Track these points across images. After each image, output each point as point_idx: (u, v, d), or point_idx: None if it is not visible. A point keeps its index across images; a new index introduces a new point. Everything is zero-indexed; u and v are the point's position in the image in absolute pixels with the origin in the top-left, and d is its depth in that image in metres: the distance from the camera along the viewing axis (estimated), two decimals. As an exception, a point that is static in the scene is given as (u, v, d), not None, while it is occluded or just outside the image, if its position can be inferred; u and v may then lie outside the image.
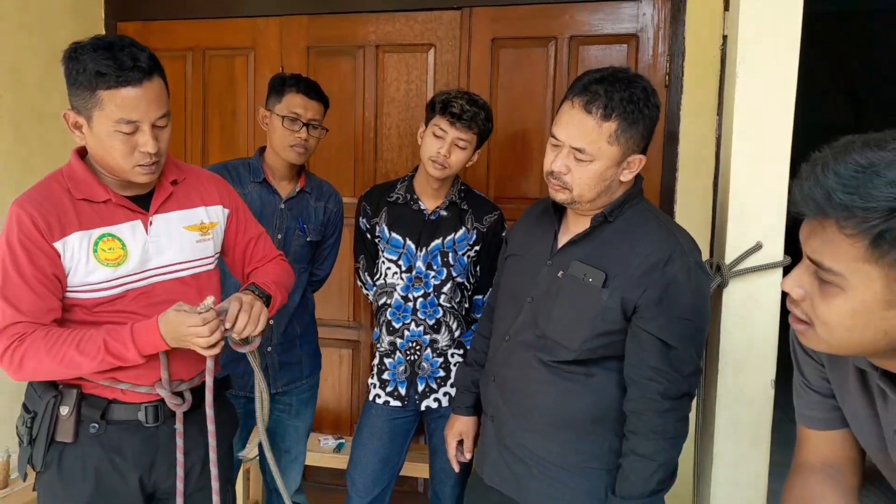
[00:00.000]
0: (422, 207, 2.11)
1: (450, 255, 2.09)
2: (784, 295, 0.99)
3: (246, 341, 1.51)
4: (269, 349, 2.19)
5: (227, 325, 1.44)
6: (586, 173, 1.45)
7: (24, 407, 1.52)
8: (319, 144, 2.20)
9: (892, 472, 1.09)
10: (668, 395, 1.43)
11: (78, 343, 1.37)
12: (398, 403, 2.13)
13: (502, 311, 1.68)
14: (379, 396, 2.15)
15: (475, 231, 2.12)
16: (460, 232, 2.10)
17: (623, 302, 1.44)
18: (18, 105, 2.64)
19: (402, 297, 2.10)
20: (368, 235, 2.19)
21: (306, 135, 2.10)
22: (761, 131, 1.72)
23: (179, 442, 1.53)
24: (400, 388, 2.13)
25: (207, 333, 1.38)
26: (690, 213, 2.47)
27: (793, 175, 0.98)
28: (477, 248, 2.13)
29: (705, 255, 1.84)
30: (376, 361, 2.18)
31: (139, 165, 1.42)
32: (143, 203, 1.51)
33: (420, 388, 2.12)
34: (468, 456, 1.86)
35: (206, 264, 1.61)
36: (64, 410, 1.47)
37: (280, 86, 2.13)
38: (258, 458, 2.46)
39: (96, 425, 1.49)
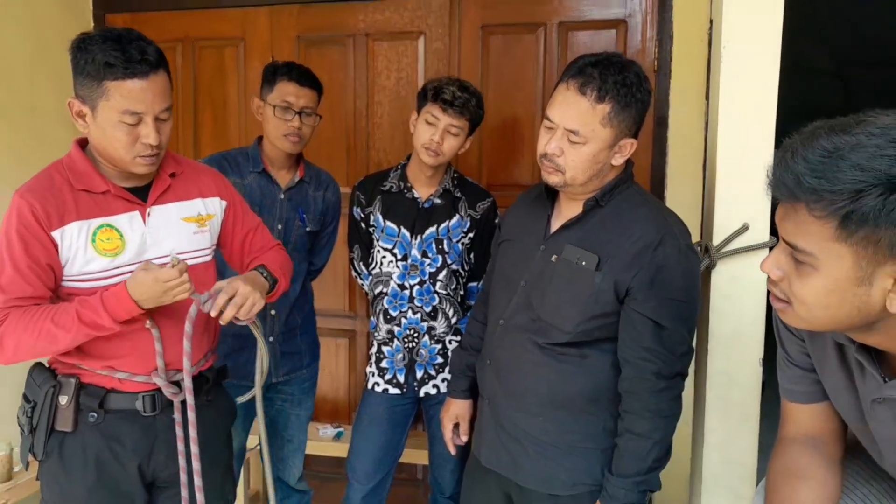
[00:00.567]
0: (415, 196, 2.12)
1: (444, 242, 2.11)
2: None
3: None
4: (272, 339, 2.21)
5: (213, 314, 1.46)
6: (579, 155, 1.47)
7: (25, 397, 1.54)
8: (313, 132, 2.20)
9: (870, 442, 1.13)
10: (662, 375, 1.46)
11: (53, 316, 1.40)
12: (397, 391, 2.16)
13: (496, 295, 1.70)
14: (378, 384, 2.17)
15: (469, 218, 2.13)
16: (454, 219, 2.12)
17: (616, 284, 1.47)
18: (10, 97, 2.64)
19: (399, 286, 2.12)
20: (363, 225, 2.20)
21: (299, 123, 2.11)
22: (746, 113, 1.74)
23: (179, 431, 1.55)
24: (399, 376, 2.15)
25: (186, 281, 1.41)
26: (681, 197, 2.49)
27: (778, 157, 1.01)
28: (471, 235, 2.15)
29: (696, 238, 1.87)
30: (374, 350, 2.20)
31: (140, 156, 1.45)
32: (141, 194, 1.53)
33: (419, 374, 2.15)
34: (464, 439, 1.89)
35: (203, 255, 1.63)
36: (63, 400, 1.49)
37: (272, 75, 2.14)
38: (258, 447, 2.48)
39: (95, 414, 1.51)
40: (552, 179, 1.53)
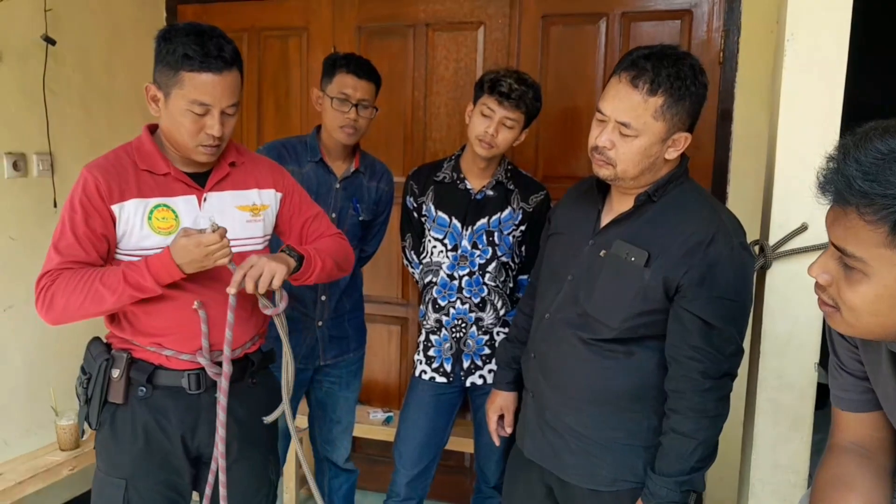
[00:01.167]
0: (468, 187, 2.13)
1: (495, 234, 2.11)
2: None
3: (269, 301, 1.58)
4: (321, 323, 2.27)
5: (232, 292, 1.50)
6: (631, 148, 1.45)
7: (82, 369, 1.64)
8: (370, 124, 2.23)
9: None
10: (709, 375, 1.43)
11: (101, 276, 1.48)
12: (443, 379, 2.18)
13: (543, 288, 1.70)
14: (425, 372, 2.20)
15: (521, 211, 2.13)
16: (506, 212, 2.12)
17: (665, 281, 1.44)
18: (87, 85, 2.77)
19: (448, 276, 2.14)
20: (415, 214, 2.23)
21: (355, 115, 2.14)
22: (809, 110, 1.68)
23: (221, 415, 1.57)
24: (445, 365, 2.17)
25: (227, 245, 1.48)
26: (744, 193, 2.42)
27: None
28: (522, 227, 2.14)
29: (756, 236, 1.82)
30: (422, 338, 2.23)
31: (202, 146, 1.53)
32: (200, 180, 1.61)
33: (465, 364, 2.17)
34: (508, 430, 1.89)
35: (255, 244, 1.68)
36: (115, 373, 1.59)
37: (332, 66, 2.17)
38: (307, 429, 2.54)
39: (144, 389, 1.59)
40: (603, 173, 1.51)
